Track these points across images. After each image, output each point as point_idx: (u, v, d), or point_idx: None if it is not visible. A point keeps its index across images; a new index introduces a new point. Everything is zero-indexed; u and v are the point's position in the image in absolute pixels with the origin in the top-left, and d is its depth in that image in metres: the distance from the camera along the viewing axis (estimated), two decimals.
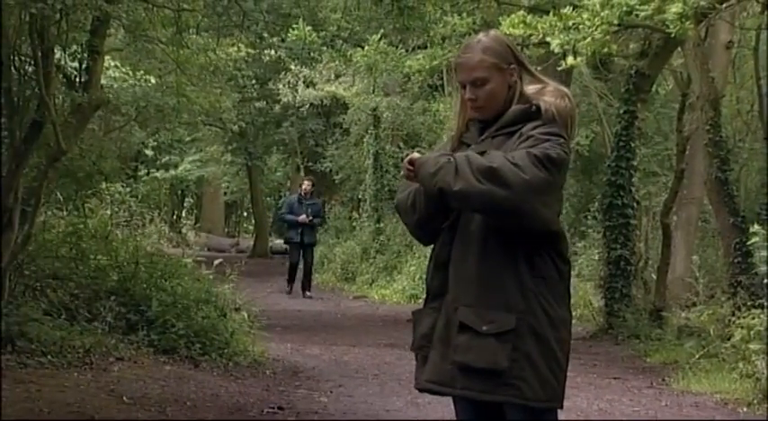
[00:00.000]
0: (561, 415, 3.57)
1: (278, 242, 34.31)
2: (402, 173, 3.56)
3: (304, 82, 23.64)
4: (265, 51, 22.05)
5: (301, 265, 18.49)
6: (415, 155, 3.54)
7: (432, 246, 3.66)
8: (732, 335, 9.87)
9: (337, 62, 21.02)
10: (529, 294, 3.41)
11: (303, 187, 18.40)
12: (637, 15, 10.90)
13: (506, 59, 3.53)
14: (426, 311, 3.58)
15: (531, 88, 3.61)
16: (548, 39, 11.15)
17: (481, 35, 3.62)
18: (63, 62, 10.13)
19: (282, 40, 22.15)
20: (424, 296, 3.65)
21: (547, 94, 3.57)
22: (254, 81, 25.12)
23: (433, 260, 3.59)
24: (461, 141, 3.62)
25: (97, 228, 10.79)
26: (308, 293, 18.48)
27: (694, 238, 16.81)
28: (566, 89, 3.65)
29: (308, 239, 18.26)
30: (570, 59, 11.18)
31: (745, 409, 8.47)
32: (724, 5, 11.44)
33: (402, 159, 17.53)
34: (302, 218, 17.88)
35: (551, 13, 11.26)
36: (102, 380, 7.59)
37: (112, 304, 9.18)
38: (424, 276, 3.76)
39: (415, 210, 3.59)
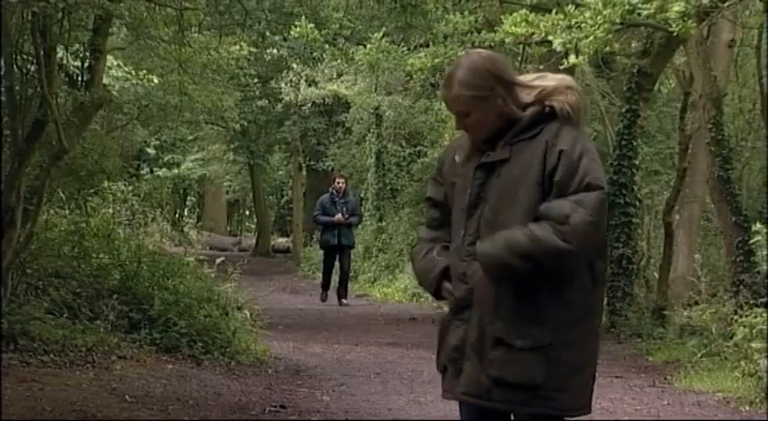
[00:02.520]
0: None
1: (280, 240, 34.36)
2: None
3: (306, 80, 23.64)
4: (267, 50, 22.13)
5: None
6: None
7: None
8: (734, 333, 9.85)
9: (339, 61, 21.01)
10: (561, 306, 3.42)
11: (336, 185, 16.99)
12: (639, 14, 10.88)
13: (487, 86, 3.46)
14: (456, 323, 3.54)
15: (530, 78, 3.58)
16: (550, 37, 11.14)
17: (459, 64, 3.54)
18: (65, 61, 10.14)
19: (284, 39, 22.19)
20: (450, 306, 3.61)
21: (551, 86, 3.53)
22: (256, 79, 25.20)
23: (454, 271, 3.55)
24: (477, 148, 3.57)
25: (99, 226, 10.80)
26: (344, 301, 17.02)
27: (696, 237, 16.79)
28: (568, 77, 3.63)
29: (346, 241, 16.95)
30: (572, 58, 11.16)
31: (747, 408, 8.45)
32: (726, 4, 11.43)
33: (404, 158, 17.31)
34: (338, 217, 16.64)
35: (553, 12, 11.24)
36: (105, 378, 7.59)
37: (114, 303, 9.19)
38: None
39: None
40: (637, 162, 14.14)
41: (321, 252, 23.44)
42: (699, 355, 10.43)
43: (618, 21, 10.81)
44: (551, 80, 3.58)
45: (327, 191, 17.30)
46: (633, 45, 15.71)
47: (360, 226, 23.61)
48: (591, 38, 10.75)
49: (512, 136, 3.49)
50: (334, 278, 17.35)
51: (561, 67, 11.41)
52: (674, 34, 10.85)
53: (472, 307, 3.48)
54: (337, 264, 17.27)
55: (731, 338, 9.96)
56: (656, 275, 14.62)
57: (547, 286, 3.40)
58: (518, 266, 3.35)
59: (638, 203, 14.30)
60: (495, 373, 3.40)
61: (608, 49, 11.63)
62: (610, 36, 11.02)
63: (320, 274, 22.31)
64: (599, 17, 10.65)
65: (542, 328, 3.39)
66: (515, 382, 3.38)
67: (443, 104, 3.69)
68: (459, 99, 3.47)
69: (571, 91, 3.54)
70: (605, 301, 13.60)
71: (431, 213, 3.73)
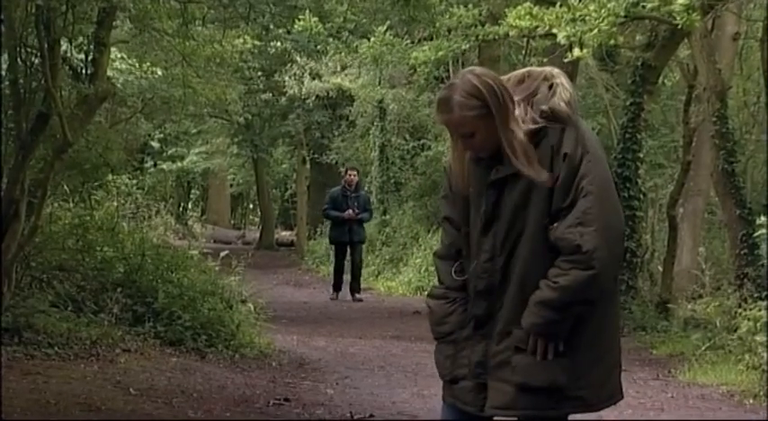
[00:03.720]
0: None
1: (284, 234, 34.36)
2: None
3: (310, 74, 23.61)
4: (271, 43, 22.07)
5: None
6: None
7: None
8: (738, 326, 9.85)
9: (343, 54, 20.98)
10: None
11: (348, 178, 16.43)
12: (643, 7, 10.88)
13: (486, 105, 3.42)
14: (476, 338, 3.54)
15: (517, 77, 3.57)
16: (554, 30, 11.13)
17: (454, 87, 3.47)
18: (69, 54, 10.14)
19: (288, 32, 22.19)
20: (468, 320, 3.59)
21: (542, 89, 3.50)
22: (260, 73, 25.19)
23: (472, 288, 3.55)
24: (478, 160, 3.54)
25: (103, 219, 10.81)
26: (357, 296, 16.57)
27: (701, 230, 16.78)
28: (555, 71, 3.58)
29: (357, 237, 16.34)
30: (576, 51, 11.14)
31: (751, 401, 8.46)
32: None
33: (408, 151, 17.30)
34: (348, 213, 16.04)
35: (558, 5, 11.23)
36: (109, 371, 7.60)
37: (119, 296, 9.20)
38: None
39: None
40: (641, 155, 14.13)
41: (328, 246, 23.66)
42: (703, 348, 10.43)
43: (622, 13, 10.80)
44: (537, 78, 3.55)
45: (339, 184, 16.76)
46: (637, 38, 15.70)
47: None
48: (595, 31, 10.74)
49: (513, 159, 3.45)
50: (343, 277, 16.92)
51: (565, 61, 11.41)
52: (679, 27, 10.84)
53: (490, 322, 3.50)
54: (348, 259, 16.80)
55: (735, 331, 9.96)
56: (661, 268, 14.62)
57: None
58: (564, 318, 3.39)
59: (642, 197, 14.29)
60: (519, 380, 3.42)
61: (612, 42, 11.60)
62: (614, 29, 11.01)
63: (324, 268, 22.42)
64: (603, 10, 10.64)
65: None
66: (541, 387, 3.40)
67: (445, 128, 3.59)
68: (463, 121, 3.44)
69: (561, 86, 3.50)
70: None
71: (450, 231, 3.69)
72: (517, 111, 3.47)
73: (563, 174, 3.39)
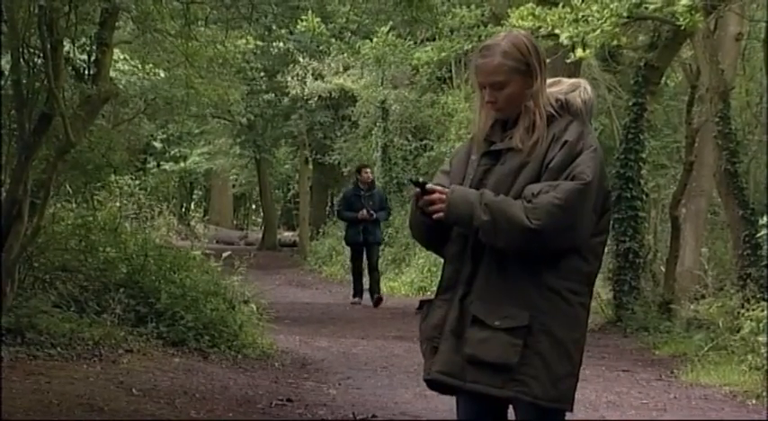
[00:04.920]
0: None
1: (287, 234, 34.37)
2: (418, 202, 3.52)
3: (312, 74, 23.64)
4: (274, 43, 22.09)
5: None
6: (433, 186, 3.50)
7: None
8: (741, 327, 9.86)
9: (346, 54, 21.02)
10: (548, 293, 3.41)
11: (362, 176, 15.63)
12: (646, 7, 10.88)
13: (526, 62, 3.49)
14: (437, 303, 3.56)
15: (549, 81, 3.61)
16: (557, 31, 11.14)
17: (502, 36, 3.57)
18: (72, 54, 10.15)
19: (291, 33, 22.21)
20: (437, 287, 3.63)
21: (565, 87, 3.59)
22: (262, 73, 25.21)
23: (446, 252, 3.58)
24: (486, 139, 3.58)
25: (106, 220, 10.81)
26: (377, 296, 15.62)
27: (703, 231, 16.76)
28: (583, 81, 3.67)
29: (373, 237, 15.49)
30: (579, 51, 11.16)
31: (753, 401, 8.46)
32: None
33: (410, 152, 17.22)
34: (362, 213, 15.22)
35: (560, 5, 11.24)
36: (112, 371, 7.61)
37: (121, 296, 9.20)
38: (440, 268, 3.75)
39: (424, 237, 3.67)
40: (643, 155, 14.14)
41: (330, 247, 23.70)
42: (705, 349, 10.43)
43: (625, 14, 10.81)
44: (566, 83, 3.64)
45: (353, 183, 16.13)
46: (640, 38, 15.69)
47: None
48: (598, 31, 10.75)
49: (523, 128, 3.49)
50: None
51: (568, 61, 11.42)
52: (682, 27, 10.85)
53: (456, 287, 3.49)
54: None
55: (738, 332, 9.96)
56: (663, 269, 14.61)
57: (529, 269, 3.41)
58: (478, 217, 3.38)
59: (644, 197, 14.29)
60: (469, 351, 3.41)
61: (615, 42, 11.62)
62: (617, 29, 11.02)
63: (327, 268, 22.45)
64: (606, 10, 10.65)
65: (521, 310, 3.39)
66: (489, 362, 3.38)
67: (475, 75, 3.58)
68: (501, 68, 3.48)
69: (584, 89, 3.59)
70: (612, 295, 13.79)
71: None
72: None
73: (558, 158, 3.41)
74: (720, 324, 10.93)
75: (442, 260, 3.63)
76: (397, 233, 21.66)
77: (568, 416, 3.54)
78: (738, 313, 10.51)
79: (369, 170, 15.91)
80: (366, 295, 15.81)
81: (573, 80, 3.68)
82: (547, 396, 3.41)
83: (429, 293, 15.25)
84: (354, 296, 15.95)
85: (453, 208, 3.42)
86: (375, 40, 16.91)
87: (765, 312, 9.41)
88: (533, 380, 3.38)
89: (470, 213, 3.39)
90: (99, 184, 11.91)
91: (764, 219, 10.23)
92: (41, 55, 8.47)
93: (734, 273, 12.45)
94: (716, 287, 13.16)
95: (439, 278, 3.70)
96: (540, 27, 11.52)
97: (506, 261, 3.42)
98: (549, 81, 3.61)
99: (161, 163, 34.15)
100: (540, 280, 3.41)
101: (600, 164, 3.46)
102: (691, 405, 8.35)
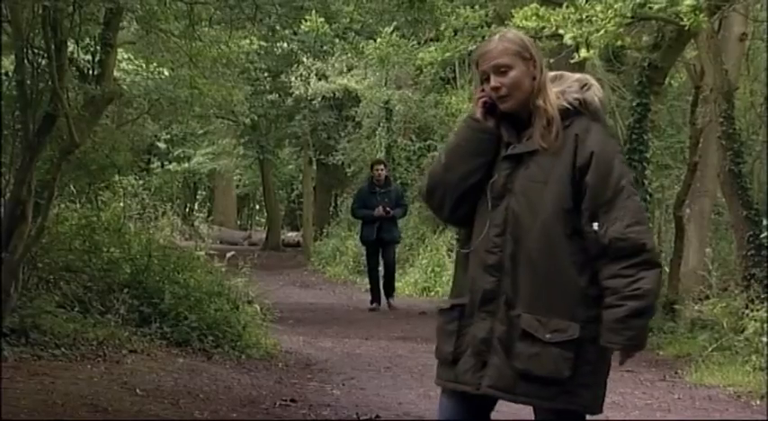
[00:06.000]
0: None
1: (290, 235, 34.36)
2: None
3: (316, 75, 23.62)
4: (278, 44, 22.11)
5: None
6: None
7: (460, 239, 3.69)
8: (745, 327, 9.86)
9: (349, 55, 21.01)
10: (590, 301, 3.42)
11: (375, 173, 15.05)
12: (650, 7, 10.86)
13: (528, 50, 3.51)
14: (480, 315, 3.50)
15: (550, 75, 3.60)
16: (560, 31, 11.12)
17: (503, 31, 3.64)
18: (76, 55, 10.16)
19: (295, 33, 22.21)
20: (469, 297, 3.54)
21: (573, 83, 3.58)
22: (266, 74, 25.23)
23: (479, 262, 3.52)
24: (502, 141, 3.55)
25: (110, 220, 10.82)
26: (390, 301, 15.20)
27: (707, 231, 16.76)
28: (588, 76, 3.67)
29: (388, 236, 14.93)
30: (583, 52, 11.13)
31: (758, 402, 8.45)
32: None
33: (414, 152, 17.08)
34: (378, 210, 14.64)
35: (564, 6, 11.22)
36: (116, 372, 7.61)
37: (125, 297, 9.21)
38: (453, 271, 3.72)
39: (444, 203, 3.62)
40: (647, 156, 14.12)
41: (333, 247, 23.67)
42: (710, 349, 10.42)
43: (629, 14, 10.79)
44: (570, 79, 3.63)
45: (368, 180, 15.48)
46: (644, 39, 15.66)
47: None
48: (602, 31, 10.73)
49: (540, 127, 3.48)
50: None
51: (572, 61, 11.40)
52: (686, 28, 10.82)
53: (498, 298, 3.46)
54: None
55: (742, 332, 9.96)
56: (667, 269, 14.58)
57: (566, 277, 3.40)
58: (648, 321, 3.44)
59: (648, 197, 14.28)
60: (522, 367, 3.40)
61: (619, 42, 11.60)
62: (621, 30, 11.01)
63: (330, 268, 22.43)
64: (610, 11, 10.63)
65: (569, 322, 3.39)
66: (542, 376, 3.38)
67: (478, 65, 3.56)
68: (505, 52, 3.48)
69: (595, 86, 3.59)
70: None
71: None
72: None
73: (596, 172, 3.41)
74: (724, 324, 10.92)
75: (454, 263, 3.62)
76: (401, 233, 21.63)
77: None
78: (742, 313, 10.51)
79: (381, 167, 15.22)
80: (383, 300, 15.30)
81: (578, 75, 3.66)
82: (594, 403, 3.49)
83: (443, 297, 14.94)
84: (372, 302, 15.35)
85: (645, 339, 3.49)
86: (379, 40, 16.89)
87: None
88: (583, 389, 3.42)
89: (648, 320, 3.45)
90: (103, 185, 11.93)
91: None
92: (45, 55, 8.48)
93: (738, 273, 12.44)
94: (720, 287, 13.15)
95: (453, 281, 3.68)
96: (543, 27, 11.51)
97: (542, 269, 3.41)
98: (551, 75, 3.61)
99: (165, 163, 34.16)
100: (577, 287, 3.41)
101: (623, 156, 3.59)
102: (695, 405, 8.34)
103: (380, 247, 15.08)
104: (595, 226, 3.39)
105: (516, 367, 3.40)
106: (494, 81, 3.50)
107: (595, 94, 3.55)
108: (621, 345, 3.38)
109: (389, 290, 15.24)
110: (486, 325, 3.47)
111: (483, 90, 3.55)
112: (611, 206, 3.38)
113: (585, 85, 3.58)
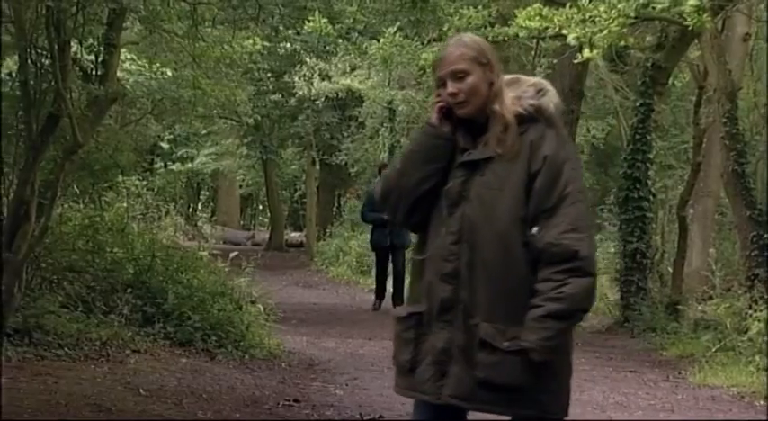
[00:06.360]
0: (577, 407, 3.58)
1: (294, 235, 34.39)
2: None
3: (319, 75, 23.64)
4: (281, 44, 22.11)
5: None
6: None
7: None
8: (748, 328, 9.86)
9: (352, 55, 21.00)
10: None
11: None
12: (653, 8, 10.87)
13: (486, 56, 3.47)
14: (438, 324, 3.46)
15: (506, 79, 3.57)
16: (564, 31, 11.12)
17: (462, 36, 3.60)
18: (79, 55, 10.16)
19: (298, 33, 22.20)
20: (427, 305, 3.49)
21: (529, 90, 3.53)
22: (269, 74, 25.24)
23: (434, 271, 3.48)
24: (458, 147, 3.51)
25: (113, 220, 10.83)
26: (399, 305, 13.54)
27: (711, 231, 16.76)
28: (544, 81, 3.62)
29: (398, 240, 14.56)
30: (586, 52, 11.14)
31: (761, 402, 8.44)
32: None
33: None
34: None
35: (568, 6, 11.22)
36: (119, 372, 7.61)
37: (129, 297, 9.21)
38: (409, 281, 3.68)
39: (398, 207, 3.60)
40: (651, 156, 14.12)
41: (336, 247, 23.67)
42: (713, 350, 10.42)
43: (632, 14, 10.79)
44: (526, 83, 3.58)
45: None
46: (647, 39, 15.67)
47: None
48: (605, 32, 10.73)
49: (497, 133, 3.44)
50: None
51: (575, 61, 11.41)
52: (689, 28, 10.83)
53: (456, 307, 3.43)
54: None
55: (745, 333, 9.96)
56: (671, 270, 14.60)
57: (521, 283, 3.37)
58: (568, 329, 3.40)
59: (652, 198, 14.28)
60: (482, 375, 3.36)
61: (622, 42, 11.60)
62: (624, 30, 11.00)
63: (333, 269, 22.44)
64: (613, 11, 10.64)
65: None
66: (502, 384, 3.35)
67: (435, 70, 3.54)
68: (462, 57, 3.44)
69: (551, 92, 3.54)
70: (619, 296, 13.77)
71: None
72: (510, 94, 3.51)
73: (545, 176, 3.37)
74: (728, 325, 10.92)
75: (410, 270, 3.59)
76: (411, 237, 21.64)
77: (577, 416, 3.54)
78: (746, 314, 10.50)
79: None
80: (387, 300, 15.00)
81: (534, 80, 3.62)
82: (557, 408, 3.44)
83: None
84: (375, 299, 15.39)
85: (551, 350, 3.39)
86: (382, 40, 16.85)
87: None
88: (545, 395, 3.39)
89: (561, 334, 3.39)
90: (106, 185, 11.92)
91: None
92: (49, 55, 8.48)
93: (741, 273, 12.43)
94: (723, 288, 13.16)
95: (410, 288, 3.64)
96: (547, 28, 11.51)
97: (499, 277, 3.38)
98: (507, 78, 3.57)
99: (168, 163, 34.18)
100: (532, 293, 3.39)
101: (581, 170, 3.48)
102: (698, 406, 8.34)
103: (391, 252, 14.93)
104: (534, 230, 3.35)
105: (476, 376, 3.38)
106: (451, 87, 3.46)
107: (551, 99, 3.50)
108: (534, 345, 3.31)
109: (399, 298, 14.61)
110: (445, 334, 3.44)
111: (439, 95, 3.52)
112: (553, 212, 3.34)
113: (541, 90, 3.53)
